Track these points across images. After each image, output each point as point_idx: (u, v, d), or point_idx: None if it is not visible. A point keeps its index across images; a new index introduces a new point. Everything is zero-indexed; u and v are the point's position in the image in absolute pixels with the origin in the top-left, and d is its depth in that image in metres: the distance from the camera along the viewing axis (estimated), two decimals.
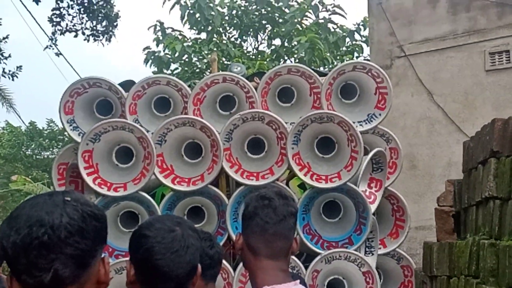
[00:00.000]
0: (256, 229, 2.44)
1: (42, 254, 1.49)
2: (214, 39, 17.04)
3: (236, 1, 17.66)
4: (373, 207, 4.62)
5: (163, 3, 16.95)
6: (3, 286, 2.62)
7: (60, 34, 12.49)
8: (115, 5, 12.45)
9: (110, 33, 12.53)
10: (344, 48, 17.84)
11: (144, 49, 17.37)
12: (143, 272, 2.14)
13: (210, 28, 17.24)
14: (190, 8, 16.89)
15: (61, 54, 14.04)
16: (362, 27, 17.26)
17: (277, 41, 18.11)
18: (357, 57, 17.04)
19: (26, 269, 1.51)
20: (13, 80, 13.03)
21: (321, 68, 13.67)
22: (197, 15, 16.91)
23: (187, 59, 17.34)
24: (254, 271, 2.49)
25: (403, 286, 5.04)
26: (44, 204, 1.54)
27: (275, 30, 17.77)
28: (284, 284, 2.46)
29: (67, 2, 12.18)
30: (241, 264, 3.76)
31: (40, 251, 1.49)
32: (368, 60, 11.36)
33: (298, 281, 2.77)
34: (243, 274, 4.34)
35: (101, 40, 12.53)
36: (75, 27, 12.39)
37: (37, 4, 12.00)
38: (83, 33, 12.46)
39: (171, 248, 2.11)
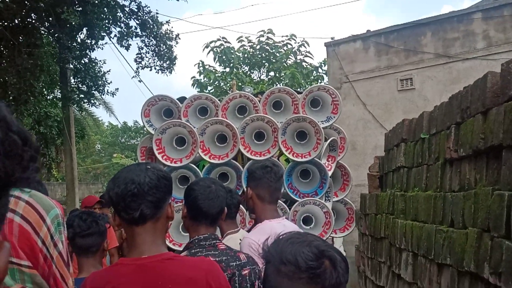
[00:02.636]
0: (265, 185, 2.47)
1: (133, 200, 1.50)
2: (234, 71, 17.03)
3: (247, 49, 17.63)
4: (330, 173, 4.62)
5: (203, 50, 17.01)
6: (107, 220, 2.61)
7: (141, 69, 12.50)
8: (174, 51, 12.46)
9: (171, 68, 12.53)
10: (312, 77, 17.80)
11: (191, 78, 17.42)
12: (191, 211, 2.15)
13: (231, 65, 17.22)
14: (219, 53, 16.90)
15: (141, 81, 14.12)
16: (323, 64, 17.25)
17: (271, 73, 18.09)
18: (320, 83, 16.99)
19: (124, 209, 1.52)
20: (113, 96, 13.08)
21: (299, 89, 13.64)
22: (224, 57, 16.92)
23: (217, 84, 17.34)
24: (259, 211, 2.51)
25: (348, 220, 5.04)
26: (134, 170, 1.55)
27: (270, 66, 17.73)
28: (277, 218, 2.49)
29: (145, 49, 12.19)
30: None
31: (132, 198, 1.50)
32: (327, 84, 11.33)
33: (285, 217, 2.79)
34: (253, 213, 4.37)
35: (165, 72, 12.54)
36: (150, 64, 12.39)
37: (127, 50, 12.01)
38: (155, 68, 12.46)
39: (208, 197, 2.12)
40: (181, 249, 4.29)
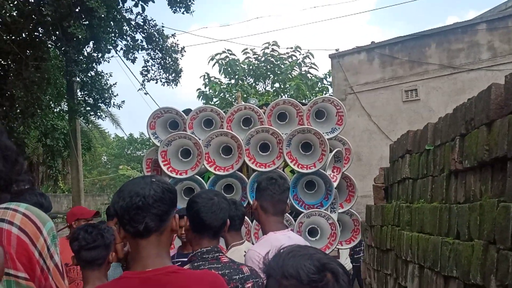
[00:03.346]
0: (268, 197, 2.46)
1: (138, 213, 1.51)
2: (239, 83, 17.10)
3: (252, 61, 17.72)
4: (335, 184, 4.61)
5: (208, 62, 17.09)
6: (113, 233, 2.62)
7: (147, 82, 12.55)
8: (180, 64, 12.53)
9: (177, 80, 12.58)
10: (317, 89, 17.83)
11: (197, 90, 17.53)
12: (194, 223, 2.15)
13: (236, 76, 17.30)
14: (224, 65, 16.99)
15: (148, 93, 14.14)
16: (328, 76, 17.28)
17: (276, 85, 18.14)
18: (325, 94, 17.01)
19: (128, 222, 1.52)
20: (119, 109, 13.25)
21: (303, 101, 13.65)
22: (229, 69, 17.00)
23: (222, 96, 17.41)
24: (264, 223, 2.50)
25: (353, 231, 5.02)
26: (139, 183, 1.56)
27: (275, 78, 17.81)
28: (282, 230, 2.48)
29: (151, 62, 12.28)
30: None
31: (137, 211, 1.51)
32: (331, 95, 11.35)
33: (290, 228, 2.78)
34: (257, 224, 4.34)
35: (171, 84, 12.59)
36: (156, 77, 12.45)
37: (133, 63, 12.11)
38: (161, 81, 12.51)
39: (210, 210, 2.11)
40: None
